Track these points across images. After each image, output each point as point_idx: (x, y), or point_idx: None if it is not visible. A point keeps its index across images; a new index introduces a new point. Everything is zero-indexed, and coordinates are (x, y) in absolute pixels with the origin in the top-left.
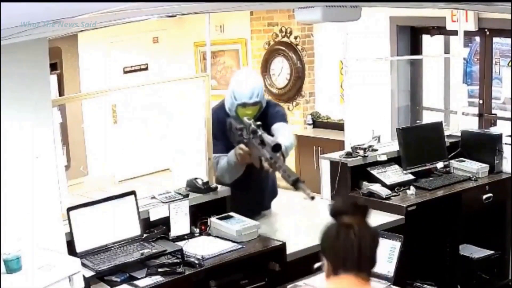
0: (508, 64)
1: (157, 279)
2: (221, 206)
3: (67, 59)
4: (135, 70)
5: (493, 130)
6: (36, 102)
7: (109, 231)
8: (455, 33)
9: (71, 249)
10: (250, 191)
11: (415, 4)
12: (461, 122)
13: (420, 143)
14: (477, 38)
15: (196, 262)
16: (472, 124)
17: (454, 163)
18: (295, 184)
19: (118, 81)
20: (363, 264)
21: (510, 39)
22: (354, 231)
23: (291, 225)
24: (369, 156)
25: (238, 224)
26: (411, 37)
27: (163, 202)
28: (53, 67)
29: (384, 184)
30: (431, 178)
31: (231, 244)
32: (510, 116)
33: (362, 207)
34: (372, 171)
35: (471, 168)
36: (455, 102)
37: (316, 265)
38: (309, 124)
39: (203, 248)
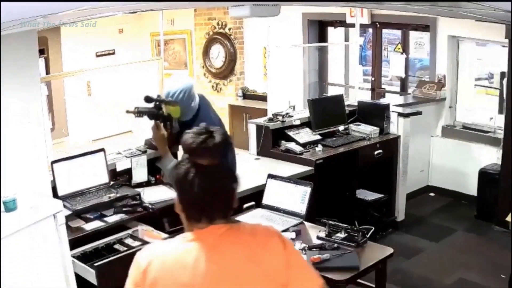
0: (394, 50)
1: (122, 216)
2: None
3: (52, 45)
4: (105, 55)
5: (383, 101)
6: (28, 80)
7: (84, 179)
8: (353, 25)
9: (54, 193)
10: None
11: (322, 4)
12: (357, 94)
13: (326, 111)
14: (370, 29)
15: (150, 207)
16: (366, 96)
17: (352, 126)
18: None
19: (92, 63)
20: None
21: (395, 30)
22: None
23: None
24: (286, 121)
25: None
26: (319, 29)
27: (126, 157)
28: (41, 52)
29: (298, 143)
30: (334, 138)
31: None
32: (395, 90)
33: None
34: (288, 133)
35: (365, 130)
36: (353, 79)
37: (245, 205)
38: (240, 96)
39: (157, 195)
